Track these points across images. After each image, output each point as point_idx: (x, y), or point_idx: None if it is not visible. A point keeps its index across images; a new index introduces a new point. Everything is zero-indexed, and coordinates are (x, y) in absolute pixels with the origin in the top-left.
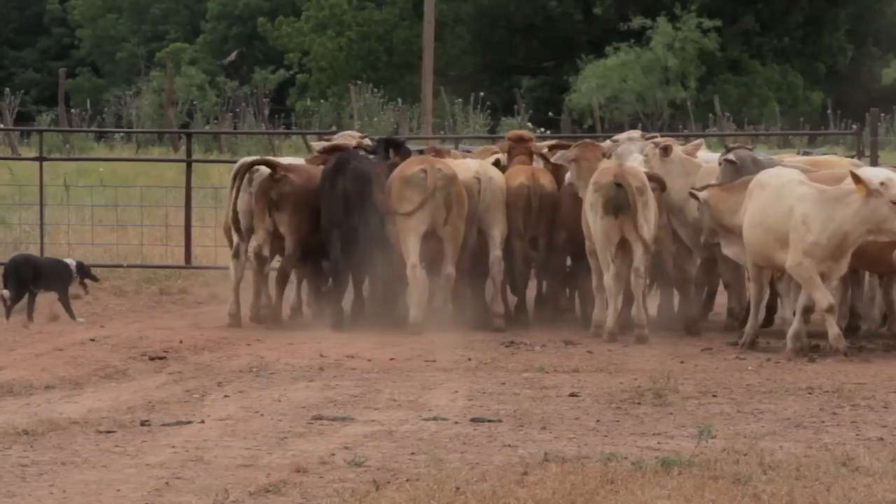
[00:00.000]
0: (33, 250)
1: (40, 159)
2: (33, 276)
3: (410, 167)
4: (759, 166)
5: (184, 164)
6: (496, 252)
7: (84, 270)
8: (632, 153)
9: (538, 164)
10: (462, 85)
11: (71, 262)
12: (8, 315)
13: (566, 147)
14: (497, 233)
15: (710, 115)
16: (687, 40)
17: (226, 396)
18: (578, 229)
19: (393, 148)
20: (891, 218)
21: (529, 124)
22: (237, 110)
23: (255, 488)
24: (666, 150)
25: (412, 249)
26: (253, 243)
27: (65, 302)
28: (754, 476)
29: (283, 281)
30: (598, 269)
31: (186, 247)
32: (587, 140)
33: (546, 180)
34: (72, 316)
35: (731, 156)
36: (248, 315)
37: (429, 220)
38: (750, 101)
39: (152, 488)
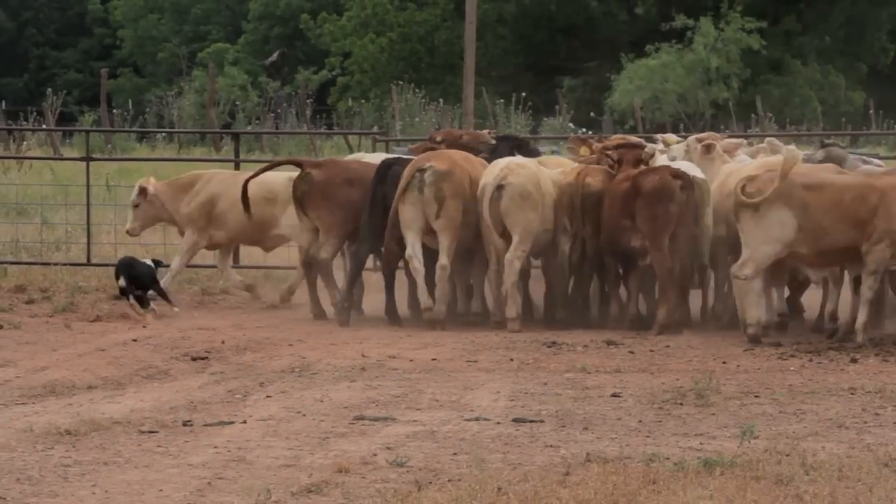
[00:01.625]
0: (76, 251)
1: (87, 159)
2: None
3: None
4: (847, 164)
5: (224, 164)
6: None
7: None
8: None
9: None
10: (504, 85)
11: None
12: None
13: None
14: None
15: (752, 115)
16: (729, 40)
17: (268, 397)
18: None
19: (516, 147)
20: None
21: (571, 124)
22: (279, 111)
23: (297, 488)
24: (708, 148)
25: (409, 243)
26: (303, 245)
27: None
28: (796, 477)
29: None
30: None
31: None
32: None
33: (594, 179)
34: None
35: (821, 153)
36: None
37: (420, 215)
38: (792, 101)
39: (194, 488)
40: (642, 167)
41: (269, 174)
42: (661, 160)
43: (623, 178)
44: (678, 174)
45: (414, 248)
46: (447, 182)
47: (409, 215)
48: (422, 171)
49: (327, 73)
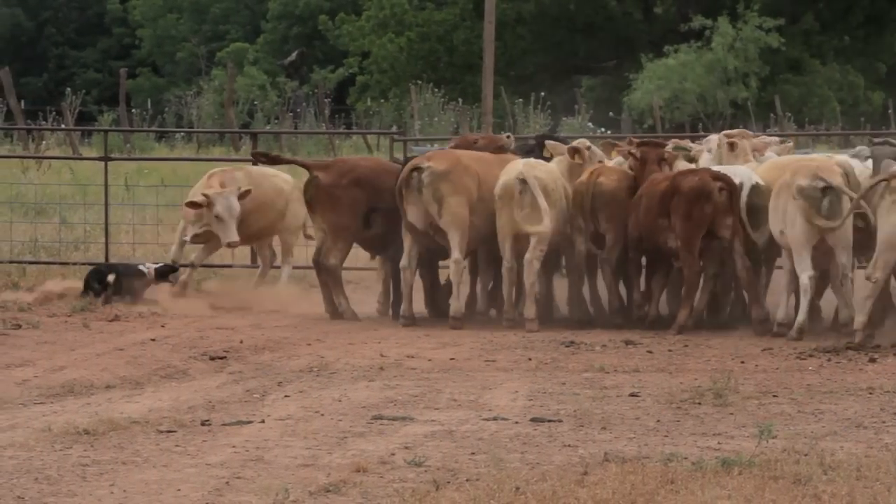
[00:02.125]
0: (94, 251)
1: (105, 159)
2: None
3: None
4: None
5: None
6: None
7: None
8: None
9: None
10: (522, 85)
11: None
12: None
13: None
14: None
15: (771, 115)
16: (748, 40)
17: (286, 396)
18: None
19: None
20: None
21: (590, 124)
22: (297, 110)
23: (316, 488)
24: (732, 146)
25: (406, 249)
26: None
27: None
28: (815, 476)
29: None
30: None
31: (252, 247)
32: (649, 139)
33: (608, 179)
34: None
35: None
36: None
37: (424, 215)
38: (811, 100)
39: (213, 488)
40: (680, 167)
41: None
42: (704, 160)
43: (663, 178)
44: (719, 176)
45: (409, 257)
46: (445, 181)
47: (413, 216)
48: (419, 170)
49: (344, 72)
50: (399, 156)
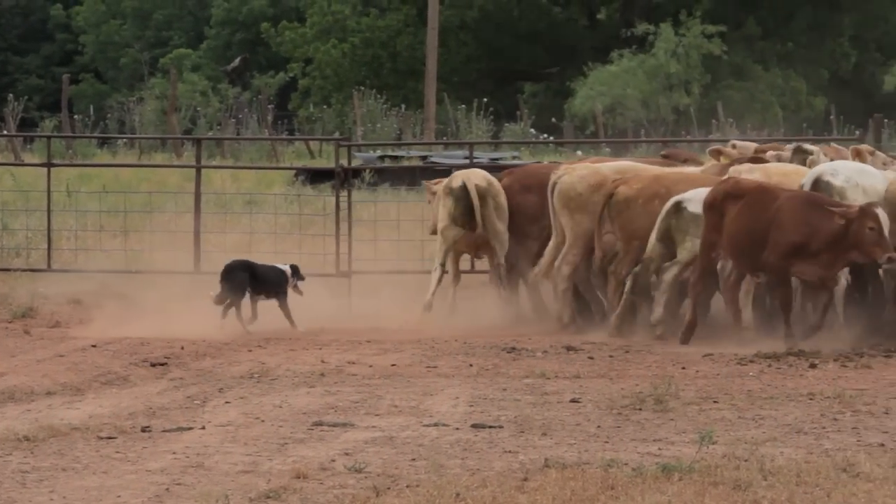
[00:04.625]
0: (36, 257)
1: (47, 165)
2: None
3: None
4: None
5: (186, 170)
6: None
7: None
8: None
9: None
10: (465, 91)
11: (286, 267)
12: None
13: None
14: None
15: (714, 120)
16: (690, 46)
17: (227, 402)
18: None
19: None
20: None
21: (532, 130)
22: (240, 116)
23: (256, 494)
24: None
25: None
26: None
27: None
28: (755, 482)
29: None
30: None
31: (196, 252)
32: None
33: (627, 187)
34: (292, 324)
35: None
36: None
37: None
38: (753, 106)
39: (153, 494)
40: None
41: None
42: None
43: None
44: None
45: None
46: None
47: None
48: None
49: (285, 76)
50: (343, 162)
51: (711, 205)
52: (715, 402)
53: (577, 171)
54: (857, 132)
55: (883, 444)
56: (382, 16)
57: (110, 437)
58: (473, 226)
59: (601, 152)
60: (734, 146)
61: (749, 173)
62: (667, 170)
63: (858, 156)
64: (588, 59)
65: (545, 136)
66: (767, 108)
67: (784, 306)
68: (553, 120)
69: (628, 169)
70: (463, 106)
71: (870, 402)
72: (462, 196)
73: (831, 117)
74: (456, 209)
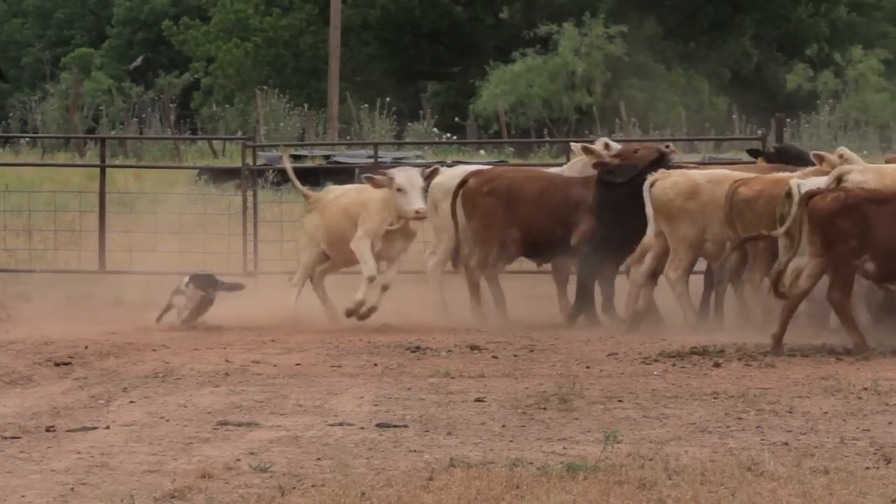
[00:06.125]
0: None
1: None
2: None
3: None
4: None
5: (89, 170)
6: None
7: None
8: None
9: None
10: (368, 90)
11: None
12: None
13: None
14: None
15: (617, 120)
16: (593, 46)
17: (131, 402)
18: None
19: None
20: None
21: (435, 129)
22: (143, 115)
23: (161, 494)
24: None
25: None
26: None
27: None
28: (659, 481)
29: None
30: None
31: (101, 252)
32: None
33: (747, 188)
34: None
35: None
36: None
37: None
38: (655, 105)
39: (57, 494)
40: None
41: None
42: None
43: None
44: None
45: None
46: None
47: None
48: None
49: (189, 77)
50: (249, 161)
51: (845, 210)
52: (620, 401)
53: (670, 177)
54: (760, 131)
55: (787, 443)
56: (285, 15)
57: (14, 437)
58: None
59: (504, 152)
60: (841, 156)
61: (862, 174)
62: (784, 174)
63: None
64: (491, 59)
65: (448, 135)
66: (670, 107)
67: None
68: (456, 119)
69: (721, 176)
70: (366, 105)
71: (774, 400)
72: None
73: (734, 117)
74: None
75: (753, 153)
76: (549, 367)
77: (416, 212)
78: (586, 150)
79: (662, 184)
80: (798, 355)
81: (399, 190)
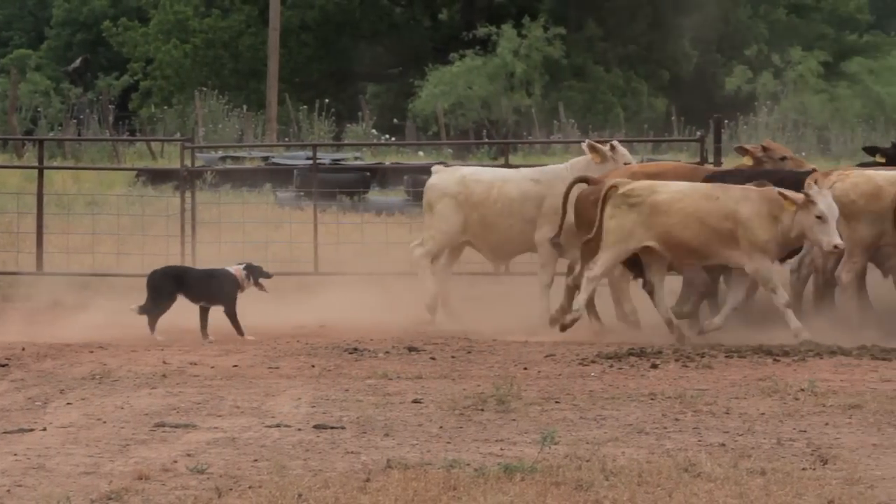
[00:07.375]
0: None
1: None
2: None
3: None
4: None
5: (27, 171)
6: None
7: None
8: None
9: None
10: (307, 91)
11: (236, 268)
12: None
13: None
14: None
15: (555, 121)
16: (532, 47)
17: (68, 404)
18: None
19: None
20: None
21: (374, 131)
22: (81, 117)
23: (97, 496)
24: None
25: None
26: None
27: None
28: (596, 482)
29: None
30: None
31: (38, 253)
32: None
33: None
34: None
35: None
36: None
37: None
38: (594, 107)
39: None
40: None
41: None
42: None
43: None
44: None
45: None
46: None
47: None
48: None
49: (129, 79)
50: (188, 163)
51: None
52: (557, 402)
53: (850, 179)
54: (698, 133)
55: (724, 444)
56: (225, 16)
57: None
58: None
59: (443, 153)
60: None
61: None
62: None
63: None
64: (430, 60)
65: (387, 136)
66: (609, 108)
67: None
68: (395, 120)
69: None
70: (305, 106)
71: (711, 402)
72: None
73: (672, 118)
74: None
75: (870, 151)
76: (487, 369)
77: (835, 247)
78: (592, 149)
79: (842, 185)
80: (735, 356)
81: (819, 217)
